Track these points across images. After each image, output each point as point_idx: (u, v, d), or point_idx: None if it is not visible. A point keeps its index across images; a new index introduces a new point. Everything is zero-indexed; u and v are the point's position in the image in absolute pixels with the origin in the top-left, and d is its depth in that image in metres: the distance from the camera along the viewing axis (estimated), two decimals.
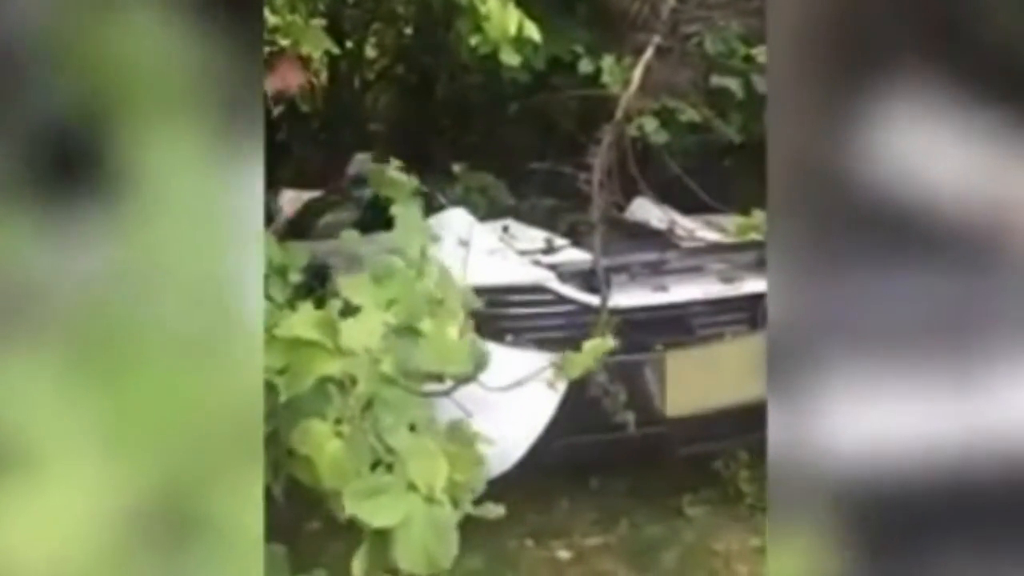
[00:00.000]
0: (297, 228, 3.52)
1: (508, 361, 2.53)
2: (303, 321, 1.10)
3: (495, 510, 1.25)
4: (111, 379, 0.69)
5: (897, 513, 0.92)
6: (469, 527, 1.34)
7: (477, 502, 1.22)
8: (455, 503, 1.14)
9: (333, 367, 1.08)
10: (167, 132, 0.73)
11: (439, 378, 1.20)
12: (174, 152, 0.73)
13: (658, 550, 2.80)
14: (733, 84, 3.27)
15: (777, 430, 0.96)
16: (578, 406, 2.44)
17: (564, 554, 2.80)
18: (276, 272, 1.71)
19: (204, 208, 0.74)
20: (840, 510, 0.92)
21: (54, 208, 0.71)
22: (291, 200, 3.77)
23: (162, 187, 0.72)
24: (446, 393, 1.23)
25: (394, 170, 1.34)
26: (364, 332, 1.10)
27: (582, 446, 2.65)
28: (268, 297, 1.60)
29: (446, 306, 1.21)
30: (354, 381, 1.09)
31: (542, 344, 2.68)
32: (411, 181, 1.33)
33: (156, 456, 0.71)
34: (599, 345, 1.25)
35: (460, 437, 1.20)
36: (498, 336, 2.66)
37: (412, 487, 1.10)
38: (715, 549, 2.80)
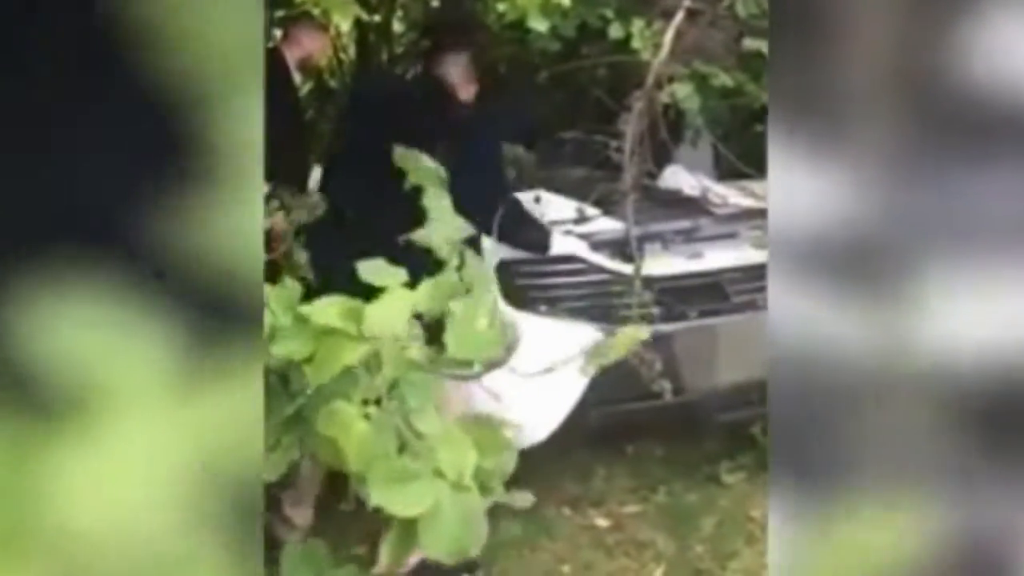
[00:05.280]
0: None
1: (542, 331, 2.54)
2: (327, 308, 1.10)
3: (524, 498, 1.25)
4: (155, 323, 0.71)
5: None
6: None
7: (510, 482, 1.22)
8: (484, 490, 1.13)
9: (358, 354, 1.08)
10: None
11: (468, 364, 1.19)
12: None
13: (696, 517, 2.80)
14: (766, 47, 3.21)
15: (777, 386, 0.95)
16: (614, 375, 2.44)
17: (602, 522, 2.82)
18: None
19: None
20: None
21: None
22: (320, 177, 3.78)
23: None
24: (475, 377, 1.23)
25: (426, 157, 1.32)
26: (389, 317, 1.09)
27: (619, 414, 2.66)
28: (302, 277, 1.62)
29: (475, 296, 1.20)
30: (379, 366, 1.09)
31: (576, 314, 2.68)
32: (440, 170, 1.31)
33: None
34: (631, 334, 1.24)
35: (488, 422, 1.19)
36: (532, 306, 2.66)
37: (439, 474, 1.10)
38: (752, 516, 2.80)
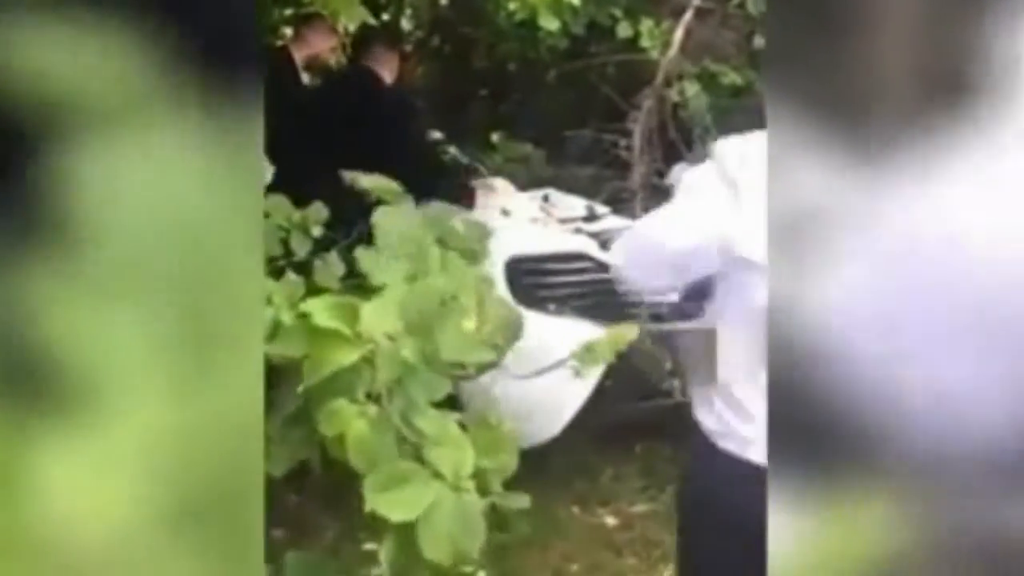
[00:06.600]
0: None
1: (550, 330, 2.54)
2: (321, 308, 1.09)
3: (520, 500, 1.24)
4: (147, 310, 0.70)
5: None
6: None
7: (515, 481, 1.21)
8: (482, 491, 1.12)
9: (353, 355, 1.07)
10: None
11: (459, 365, 1.19)
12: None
13: None
14: None
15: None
16: (624, 373, 2.44)
17: (611, 521, 2.81)
18: (296, 227, 1.73)
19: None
20: None
21: None
22: None
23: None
24: (471, 377, 1.23)
25: (383, 179, 1.34)
26: (384, 317, 1.09)
27: (628, 413, 2.65)
28: (289, 252, 1.62)
29: (460, 301, 1.19)
30: (374, 368, 1.08)
31: (585, 312, 2.68)
32: (397, 186, 1.33)
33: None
34: (621, 333, 1.22)
35: (487, 421, 1.18)
36: (540, 305, 2.66)
37: (437, 475, 1.08)
38: None
